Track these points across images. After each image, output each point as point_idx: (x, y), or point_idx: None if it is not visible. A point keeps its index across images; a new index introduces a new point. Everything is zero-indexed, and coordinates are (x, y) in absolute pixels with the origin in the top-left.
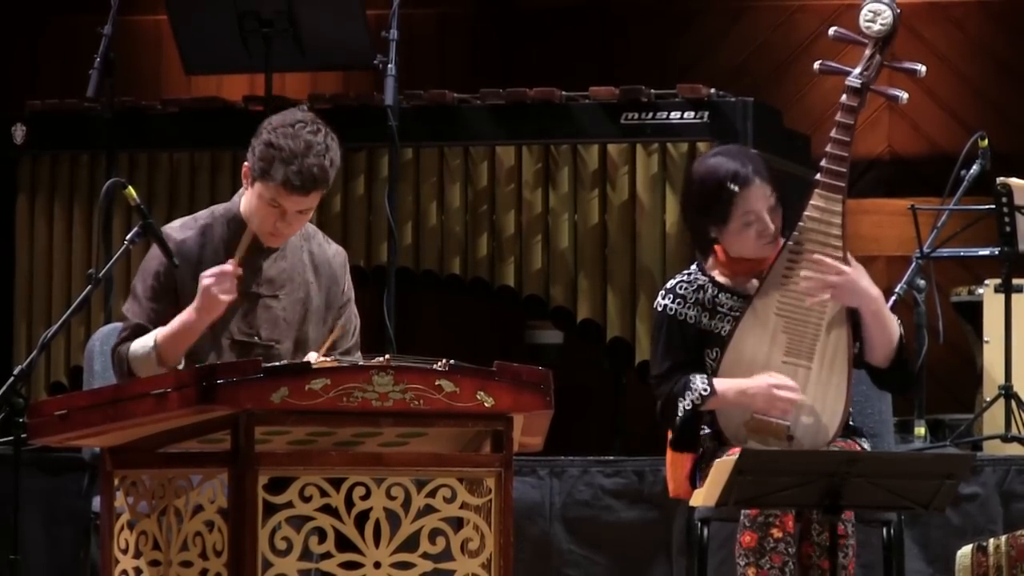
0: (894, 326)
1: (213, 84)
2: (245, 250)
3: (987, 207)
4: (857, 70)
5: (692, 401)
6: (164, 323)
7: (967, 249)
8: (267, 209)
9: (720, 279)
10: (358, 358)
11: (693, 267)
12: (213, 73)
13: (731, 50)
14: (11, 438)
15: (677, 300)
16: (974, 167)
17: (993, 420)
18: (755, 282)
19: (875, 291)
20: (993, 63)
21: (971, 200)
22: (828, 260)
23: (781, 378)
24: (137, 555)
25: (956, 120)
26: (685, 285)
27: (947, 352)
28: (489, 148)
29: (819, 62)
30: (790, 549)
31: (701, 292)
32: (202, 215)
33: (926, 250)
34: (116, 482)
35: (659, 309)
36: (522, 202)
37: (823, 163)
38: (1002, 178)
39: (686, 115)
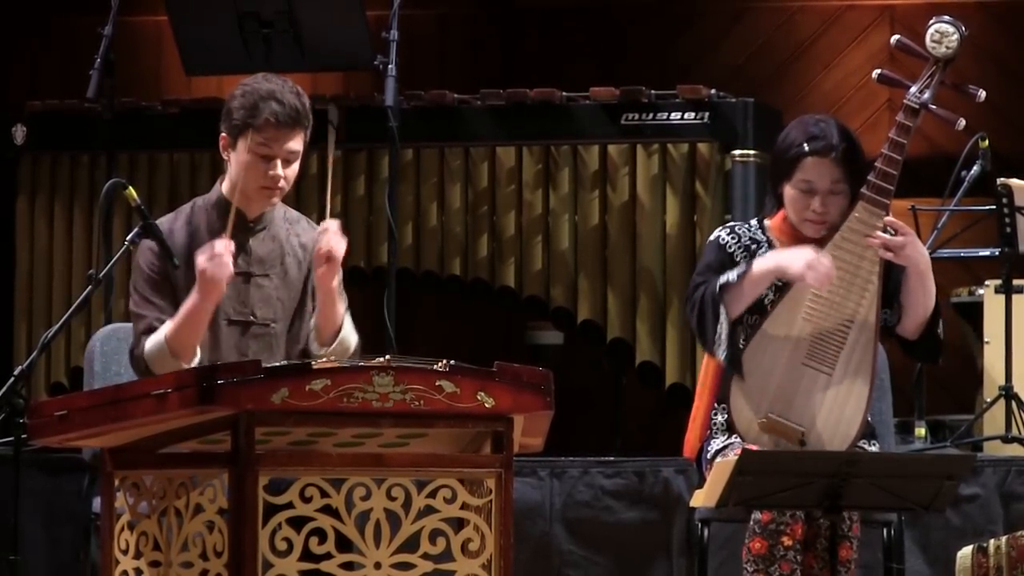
0: (934, 292)
1: (213, 84)
2: (232, 226)
3: (987, 208)
4: (915, 88)
5: (728, 279)
6: (170, 313)
7: (967, 250)
8: (256, 162)
9: (776, 244)
10: (355, 341)
11: (754, 221)
12: (213, 74)
13: (731, 50)
14: (11, 438)
15: (732, 236)
16: (974, 168)
17: (993, 421)
18: None
19: (927, 255)
20: (993, 64)
21: (971, 201)
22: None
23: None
24: (137, 556)
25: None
26: (745, 229)
27: (947, 353)
28: (489, 149)
29: (878, 71)
30: (798, 557)
31: (755, 244)
32: (184, 208)
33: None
34: (116, 483)
35: (713, 238)
36: (522, 203)
37: (871, 177)
38: (1002, 179)
39: (686, 116)
